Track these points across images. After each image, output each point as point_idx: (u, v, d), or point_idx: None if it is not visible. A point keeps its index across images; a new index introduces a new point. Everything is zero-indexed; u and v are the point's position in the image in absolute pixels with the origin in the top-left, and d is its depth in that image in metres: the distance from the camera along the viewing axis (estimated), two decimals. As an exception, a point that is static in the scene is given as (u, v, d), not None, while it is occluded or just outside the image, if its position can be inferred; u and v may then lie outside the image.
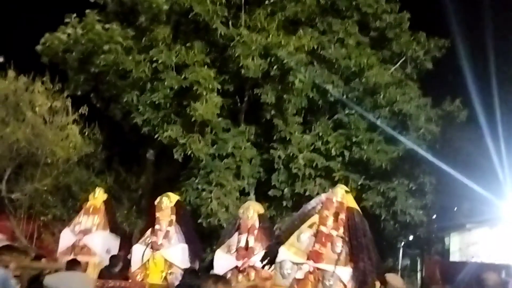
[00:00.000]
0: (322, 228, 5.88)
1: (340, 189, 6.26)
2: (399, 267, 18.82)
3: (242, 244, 7.74)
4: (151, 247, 8.32)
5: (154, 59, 12.25)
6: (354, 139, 12.05)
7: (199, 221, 11.97)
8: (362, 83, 12.46)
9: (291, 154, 12.28)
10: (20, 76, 12.28)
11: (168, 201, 8.73)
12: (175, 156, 12.23)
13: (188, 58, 12.13)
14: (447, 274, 12.40)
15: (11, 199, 12.75)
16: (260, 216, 8.14)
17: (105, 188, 14.56)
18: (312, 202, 6.40)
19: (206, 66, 12.12)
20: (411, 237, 16.12)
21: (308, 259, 5.81)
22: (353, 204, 6.16)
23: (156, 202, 8.78)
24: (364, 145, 11.87)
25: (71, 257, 8.23)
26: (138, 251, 8.45)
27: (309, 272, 5.74)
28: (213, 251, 12.88)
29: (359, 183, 12.00)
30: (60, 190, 13.78)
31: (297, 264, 5.87)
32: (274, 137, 12.77)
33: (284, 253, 6.04)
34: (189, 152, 12.06)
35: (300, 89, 12.16)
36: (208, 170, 12.44)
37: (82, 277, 2.68)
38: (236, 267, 7.52)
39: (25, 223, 13.91)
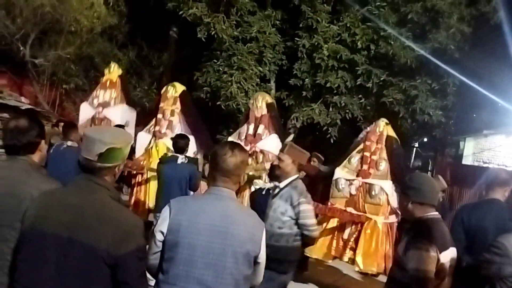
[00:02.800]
0: (366, 153, 7.57)
1: (381, 122, 7.87)
2: (411, 166, 19.18)
3: (251, 131, 8.46)
4: (154, 136, 8.68)
5: None
6: (382, 33, 11.69)
7: (218, 103, 12.09)
8: (397, -26, 11.93)
9: (316, 44, 12.03)
10: None
11: (173, 91, 8.95)
12: (199, 35, 12.07)
13: None
14: (457, 176, 12.57)
15: (35, 64, 12.90)
16: (268, 105, 8.64)
17: (127, 62, 14.78)
18: (360, 135, 8.24)
19: None
20: (425, 139, 16.24)
21: (357, 176, 7.49)
22: (391, 133, 7.80)
23: (162, 92, 9.05)
24: (391, 40, 11.54)
25: None
26: (142, 139, 8.91)
27: (359, 186, 7.40)
28: (230, 134, 13.19)
29: (382, 79, 11.81)
30: (83, 60, 13.89)
31: (349, 180, 7.55)
32: (300, 25, 12.46)
33: (339, 172, 7.73)
34: (213, 32, 11.90)
35: (331, -25, 11.77)
36: (230, 53, 12.32)
37: (122, 131, 2.74)
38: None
39: (47, 89, 14.21)
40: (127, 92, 9.85)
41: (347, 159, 7.80)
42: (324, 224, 7.54)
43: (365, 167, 7.47)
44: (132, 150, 8.70)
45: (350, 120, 12.40)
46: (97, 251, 2.21)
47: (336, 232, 7.56)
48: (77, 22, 12.66)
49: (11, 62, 12.81)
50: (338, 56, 11.95)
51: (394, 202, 7.19)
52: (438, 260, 3.06)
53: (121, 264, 2.25)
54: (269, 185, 5.87)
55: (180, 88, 9.07)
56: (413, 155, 19.75)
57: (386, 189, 7.24)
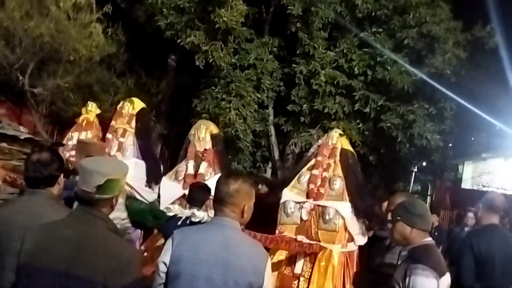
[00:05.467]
0: (316, 171, 6.33)
1: (335, 133, 6.73)
2: (410, 191, 19.14)
3: (190, 170, 7.05)
4: None
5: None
6: (378, 59, 11.80)
7: (216, 130, 12.09)
8: (392, 0, 12.07)
9: (313, 70, 12.13)
10: (45, -30, 12.10)
11: (130, 107, 7.73)
12: (197, 63, 12.11)
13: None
14: (457, 200, 12.58)
15: (34, 93, 12.91)
16: (213, 137, 7.36)
17: (126, 90, 14.86)
18: (312, 149, 6.98)
19: (232, -29, 11.70)
20: (424, 163, 16.25)
21: (308, 198, 6.24)
22: (347, 146, 6.67)
23: (118, 107, 7.85)
24: (388, 66, 11.64)
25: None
26: None
27: (311, 209, 6.17)
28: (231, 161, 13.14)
29: (379, 104, 11.88)
30: (82, 88, 13.93)
31: (298, 203, 6.28)
32: (297, 51, 12.57)
33: (287, 194, 6.48)
34: (211, 60, 11.94)
35: (328, 2, 11.90)
36: (228, 80, 12.38)
37: (119, 162, 2.75)
38: (184, 195, 6.74)
39: (46, 118, 14.21)
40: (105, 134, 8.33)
41: (296, 178, 6.58)
42: (271, 257, 6.05)
43: (314, 186, 6.27)
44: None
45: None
46: (95, 285, 2.19)
47: (285, 266, 6.27)
48: (75, 51, 12.70)
49: (10, 91, 12.84)
50: (335, 82, 12.03)
51: (353, 228, 6.11)
52: (438, 285, 3.08)
53: None
54: (187, 212, 5.04)
55: (138, 105, 7.85)
56: (412, 179, 19.74)
57: (342, 212, 6.04)
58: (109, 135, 7.47)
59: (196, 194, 5.23)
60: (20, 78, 12.39)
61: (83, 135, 8.47)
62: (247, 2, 11.94)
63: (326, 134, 7.04)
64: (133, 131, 7.56)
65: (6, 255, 2.70)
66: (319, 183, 6.26)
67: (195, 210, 4.93)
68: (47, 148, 3.51)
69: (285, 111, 12.92)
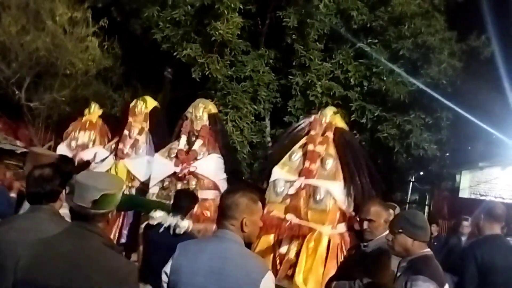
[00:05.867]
0: (310, 146, 6.13)
1: (329, 110, 6.57)
2: (408, 201, 19.09)
3: (182, 145, 6.92)
4: (115, 155, 7.56)
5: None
6: (374, 70, 11.83)
7: (214, 142, 12.08)
8: (388, 11, 12.11)
9: (309, 81, 12.15)
10: (41, -16, 12.17)
11: (143, 106, 7.92)
12: (193, 76, 12.17)
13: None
14: (455, 209, 12.54)
15: (30, 107, 12.94)
16: (210, 116, 7.27)
17: (122, 103, 14.85)
18: (301, 123, 6.68)
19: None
20: (422, 173, 16.23)
21: (299, 176, 6.03)
22: (341, 124, 6.46)
23: (131, 105, 8.01)
24: (384, 76, 11.67)
25: None
26: (100, 156, 7.74)
27: (301, 188, 5.93)
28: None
29: (376, 114, 11.88)
30: (78, 102, 13.92)
31: (289, 181, 6.08)
32: (293, 63, 12.61)
33: (278, 172, 6.26)
34: (207, 72, 11.99)
35: (324, 14, 11.93)
36: (225, 92, 12.43)
37: (115, 176, 2.76)
38: (175, 173, 6.71)
39: (43, 132, 14.19)
40: (107, 134, 9.04)
41: (287, 156, 6.33)
42: (257, 241, 5.98)
43: (307, 164, 6.02)
44: None
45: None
46: (91, 301, 2.18)
47: (272, 247, 6.05)
48: (72, 65, 12.76)
49: (7, 106, 12.86)
50: (331, 93, 12.06)
51: (345, 208, 5.94)
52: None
53: None
54: (171, 220, 4.64)
55: (151, 103, 8.11)
56: (410, 189, 19.70)
57: (334, 192, 5.84)
58: (126, 132, 7.67)
59: (181, 201, 4.83)
60: (17, 92, 12.43)
61: (87, 135, 8.74)
62: (243, 14, 12.03)
63: (319, 111, 6.76)
64: (147, 128, 7.81)
65: (9, 274, 2.65)
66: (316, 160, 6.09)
67: (178, 220, 4.59)
68: (49, 163, 3.49)
69: (282, 123, 12.89)
